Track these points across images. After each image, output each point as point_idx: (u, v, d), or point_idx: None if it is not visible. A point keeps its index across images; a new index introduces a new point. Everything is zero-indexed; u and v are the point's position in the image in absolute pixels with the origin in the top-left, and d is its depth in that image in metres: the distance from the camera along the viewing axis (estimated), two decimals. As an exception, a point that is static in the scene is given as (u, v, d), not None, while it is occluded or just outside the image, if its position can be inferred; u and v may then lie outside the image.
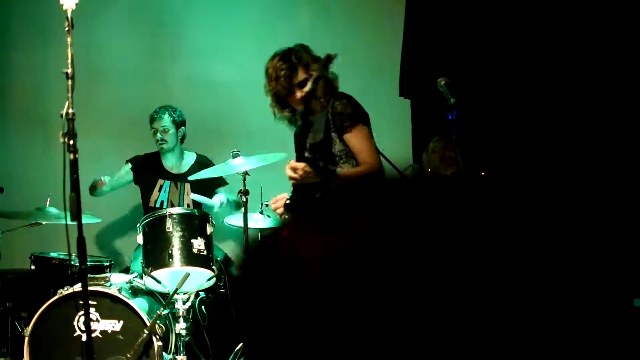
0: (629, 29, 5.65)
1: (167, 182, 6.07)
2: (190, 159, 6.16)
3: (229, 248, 6.39)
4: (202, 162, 6.03)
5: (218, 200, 5.87)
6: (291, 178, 4.03)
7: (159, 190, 6.07)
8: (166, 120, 5.98)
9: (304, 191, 4.09)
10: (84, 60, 6.05)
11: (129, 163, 6.20)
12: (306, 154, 4.11)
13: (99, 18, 6.71)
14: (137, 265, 5.75)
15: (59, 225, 5.05)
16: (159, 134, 5.99)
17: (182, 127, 6.08)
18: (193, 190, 6.04)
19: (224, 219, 5.74)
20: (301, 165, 3.98)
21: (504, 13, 5.92)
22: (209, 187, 5.99)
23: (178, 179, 6.08)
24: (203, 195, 5.99)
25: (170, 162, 6.10)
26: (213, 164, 5.91)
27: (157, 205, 6.02)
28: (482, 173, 4.98)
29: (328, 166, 4.07)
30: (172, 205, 5.94)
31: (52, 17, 5.84)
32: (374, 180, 3.13)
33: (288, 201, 4.20)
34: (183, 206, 5.94)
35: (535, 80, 5.82)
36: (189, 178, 5.73)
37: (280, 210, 4.30)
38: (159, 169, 6.14)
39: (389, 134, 6.09)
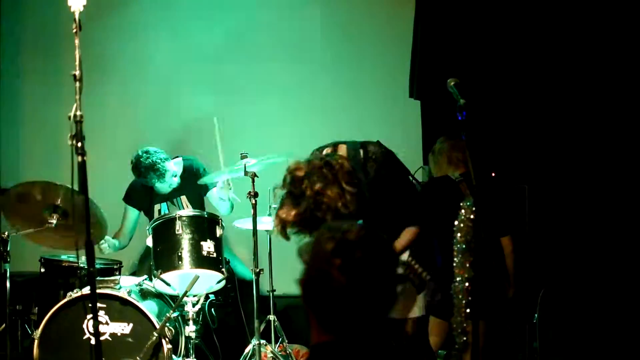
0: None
1: (164, 204, 5.95)
2: (178, 171, 5.87)
3: (238, 251, 6.39)
4: (190, 168, 5.88)
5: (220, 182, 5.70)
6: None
7: (159, 212, 5.95)
8: (153, 181, 5.74)
9: None
10: (93, 61, 6.11)
11: (129, 206, 6.01)
12: None
13: (111, 20, 6.73)
14: (143, 265, 5.75)
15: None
16: (166, 189, 5.82)
17: (167, 171, 5.74)
18: (190, 197, 5.94)
19: (232, 222, 5.72)
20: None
21: (513, 14, 5.90)
22: (203, 190, 5.90)
23: (172, 196, 5.91)
24: (197, 198, 5.93)
25: (162, 190, 5.87)
26: (201, 164, 5.86)
27: None
28: (493, 174, 4.96)
29: None
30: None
31: (62, 21, 5.85)
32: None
33: None
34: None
35: (545, 81, 5.80)
36: (201, 181, 5.62)
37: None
38: (152, 195, 5.95)
39: (399, 135, 6.08)
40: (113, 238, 5.72)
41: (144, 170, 5.66)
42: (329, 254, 2.12)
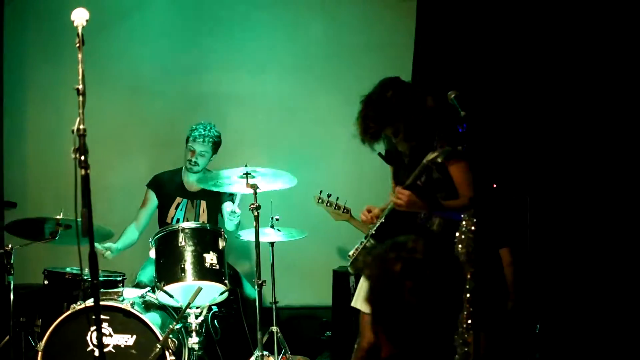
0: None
1: (185, 201, 6.07)
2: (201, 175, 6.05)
3: (240, 262, 6.42)
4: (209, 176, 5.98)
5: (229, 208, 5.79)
6: (397, 204, 4.05)
7: (176, 208, 6.06)
8: (207, 146, 5.94)
9: (395, 216, 4.15)
10: (98, 72, 6.15)
11: (151, 189, 6.17)
12: (409, 182, 4.13)
13: (119, 29, 6.77)
14: (144, 275, 5.78)
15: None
16: (194, 157, 5.95)
17: (217, 151, 6.07)
18: (209, 205, 6.03)
19: (236, 234, 5.74)
20: (407, 192, 3.99)
21: (515, 24, 5.91)
22: (220, 200, 5.98)
23: (194, 197, 6.07)
24: (215, 207, 6.00)
25: (191, 179, 6.07)
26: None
27: (173, 222, 6.00)
28: (494, 185, 4.97)
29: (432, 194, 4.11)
30: (188, 224, 5.90)
31: (66, 34, 5.87)
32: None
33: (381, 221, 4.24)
34: (199, 224, 5.91)
35: (547, 90, 5.80)
36: (216, 186, 5.63)
37: (369, 221, 4.34)
38: (179, 186, 6.13)
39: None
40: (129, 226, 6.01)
41: (204, 131, 5.92)
42: (398, 275, 2.17)
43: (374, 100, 4.19)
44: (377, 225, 4.24)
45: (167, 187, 6.13)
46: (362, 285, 4.40)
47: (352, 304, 4.45)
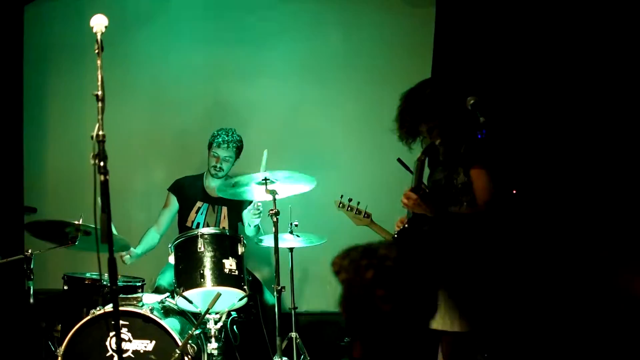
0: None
1: (205, 205, 6.08)
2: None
3: (259, 268, 6.41)
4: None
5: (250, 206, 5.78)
6: (405, 205, 4.07)
7: (196, 212, 6.08)
8: (231, 151, 5.96)
9: (417, 220, 4.16)
10: (118, 80, 6.16)
11: (172, 193, 6.20)
12: (428, 182, 4.14)
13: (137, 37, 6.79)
14: (163, 281, 5.78)
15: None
16: (219, 163, 5.97)
17: (239, 155, 6.08)
18: (229, 212, 6.03)
19: (256, 238, 5.74)
20: (414, 196, 4.00)
21: (534, 31, 5.89)
22: (241, 207, 5.97)
23: (216, 202, 6.07)
24: (236, 214, 6.00)
25: (213, 184, 6.07)
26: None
27: (194, 226, 6.01)
28: (514, 191, 4.94)
29: (446, 201, 4.11)
30: (208, 228, 5.91)
31: (87, 42, 5.90)
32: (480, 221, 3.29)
33: (404, 225, 4.26)
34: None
35: (565, 99, 5.78)
36: (234, 194, 5.61)
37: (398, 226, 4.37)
38: (200, 190, 6.14)
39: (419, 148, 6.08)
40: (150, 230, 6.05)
41: (228, 136, 5.94)
42: (370, 283, 2.19)
43: (413, 95, 4.20)
44: (400, 229, 4.24)
45: (188, 190, 6.15)
46: None
47: None
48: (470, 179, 4.07)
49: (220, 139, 5.94)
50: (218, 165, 5.94)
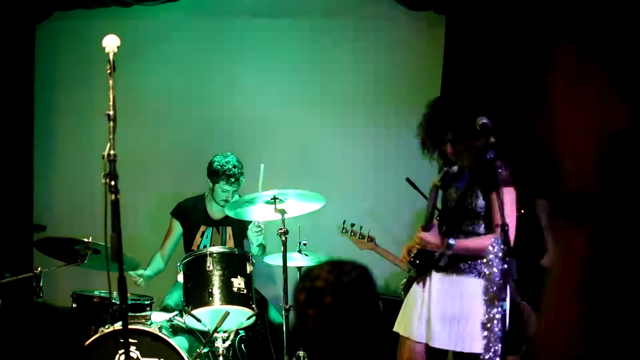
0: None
1: (210, 229, 6.07)
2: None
3: (267, 287, 6.40)
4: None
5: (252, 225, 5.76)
6: (419, 244, 4.16)
7: (201, 236, 6.07)
8: (239, 183, 5.88)
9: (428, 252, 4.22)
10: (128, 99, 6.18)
11: (176, 219, 6.17)
12: (423, 224, 4.17)
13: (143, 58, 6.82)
14: (171, 299, 5.78)
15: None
16: (227, 195, 5.88)
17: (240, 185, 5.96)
18: (234, 231, 6.03)
19: (261, 258, 5.74)
20: (422, 237, 4.11)
21: (544, 50, 5.89)
22: (245, 226, 5.94)
23: (220, 224, 6.07)
24: (241, 234, 5.98)
25: (215, 208, 6.06)
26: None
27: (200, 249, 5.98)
28: (522, 210, 4.93)
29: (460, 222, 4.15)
30: (214, 250, 5.88)
31: (97, 59, 5.93)
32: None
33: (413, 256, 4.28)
34: (225, 250, 5.87)
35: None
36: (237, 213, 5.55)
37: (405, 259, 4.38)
38: (203, 214, 6.11)
39: (428, 168, 6.09)
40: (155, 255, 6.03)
41: (237, 170, 5.81)
42: (303, 305, 2.25)
43: (441, 103, 4.18)
44: (414, 252, 4.26)
45: (191, 215, 6.13)
46: (404, 311, 4.39)
47: (395, 329, 4.40)
48: (490, 202, 4.06)
49: (225, 178, 5.82)
50: (225, 198, 5.88)
